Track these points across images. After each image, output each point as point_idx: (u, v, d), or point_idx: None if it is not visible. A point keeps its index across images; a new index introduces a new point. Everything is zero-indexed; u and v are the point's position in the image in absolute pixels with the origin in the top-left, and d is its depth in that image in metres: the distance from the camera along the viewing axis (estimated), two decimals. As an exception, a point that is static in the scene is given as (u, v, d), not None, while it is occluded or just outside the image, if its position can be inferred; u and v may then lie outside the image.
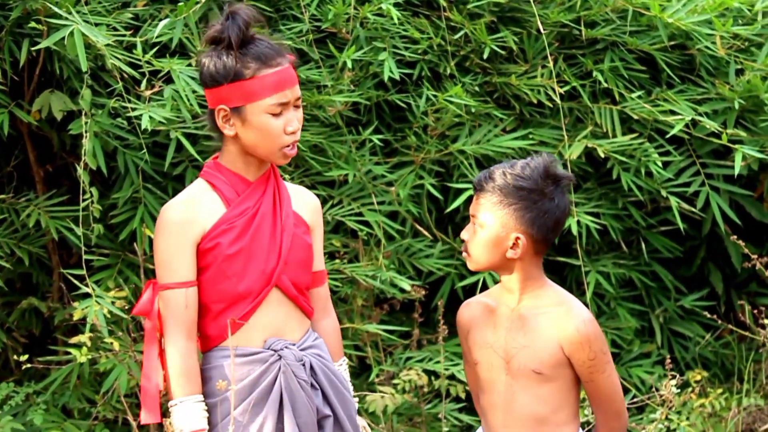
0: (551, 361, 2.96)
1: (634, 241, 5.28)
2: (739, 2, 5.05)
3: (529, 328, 2.98)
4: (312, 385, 3.06)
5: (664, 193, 4.96)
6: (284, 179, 3.18)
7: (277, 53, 2.97)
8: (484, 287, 4.69)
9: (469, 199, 4.72)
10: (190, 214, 2.98)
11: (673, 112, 4.91)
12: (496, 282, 4.71)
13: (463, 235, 3.02)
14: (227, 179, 3.03)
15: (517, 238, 2.95)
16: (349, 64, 4.58)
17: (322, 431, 3.07)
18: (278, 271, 3.01)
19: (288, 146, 3.00)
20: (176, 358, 2.96)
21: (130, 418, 4.22)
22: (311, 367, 3.06)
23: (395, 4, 4.70)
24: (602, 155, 4.86)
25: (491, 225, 2.96)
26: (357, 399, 3.27)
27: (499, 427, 3.04)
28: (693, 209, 5.03)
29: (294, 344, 3.05)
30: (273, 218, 3.04)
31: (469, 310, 3.13)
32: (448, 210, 4.83)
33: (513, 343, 2.99)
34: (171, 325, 2.98)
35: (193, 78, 4.26)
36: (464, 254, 3.03)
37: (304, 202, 3.15)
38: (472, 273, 4.83)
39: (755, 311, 5.02)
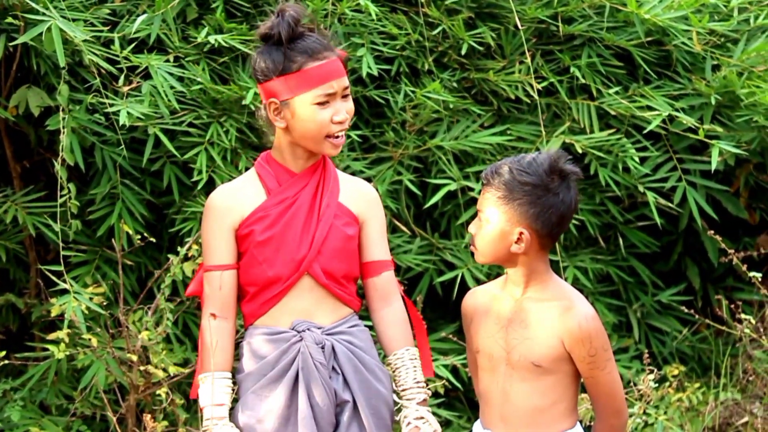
0: (551, 354, 2.97)
1: (611, 236, 5.29)
2: (715, -2, 5.08)
3: (531, 321, 2.99)
4: (333, 369, 3.14)
5: (641, 188, 4.97)
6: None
7: (324, 47, 3.11)
8: (463, 283, 4.70)
9: (448, 195, 4.75)
10: (232, 201, 3.15)
11: (650, 108, 4.93)
12: (474, 278, 4.73)
13: (471, 228, 3.06)
14: (273, 171, 3.17)
15: (521, 233, 2.97)
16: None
17: (342, 415, 3.14)
18: (308, 259, 3.12)
19: (334, 136, 3.11)
20: (206, 335, 3.11)
21: (109, 413, 4.21)
22: (334, 352, 3.13)
23: (373, 0, 4.70)
24: (580, 151, 4.87)
25: (496, 220, 2.98)
26: (423, 390, 3.22)
27: (497, 416, 3.05)
28: (670, 204, 5.05)
29: (319, 328, 3.14)
30: (310, 208, 3.15)
31: (473, 298, 3.15)
32: (427, 206, 4.84)
33: (514, 334, 3.00)
34: (206, 304, 3.16)
35: (171, 74, 4.25)
36: (471, 248, 3.06)
37: (356, 193, 3.24)
38: (451, 268, 4.84)
39: (732, 306, 5.04)
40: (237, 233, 3.14)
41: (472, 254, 3.08)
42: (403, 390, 3.22)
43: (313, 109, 3.08)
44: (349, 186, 3.25)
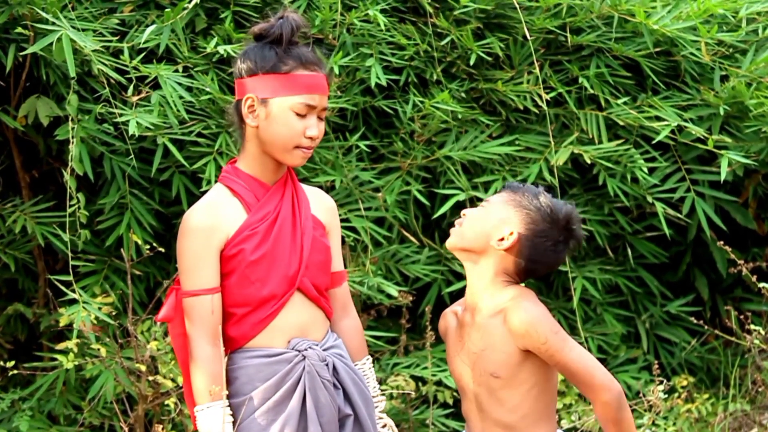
0: (508, 361, 2.95)
1: (620, 247, 5.29)
2: (723, 9, 5.07)
3: (486, 332, 2.99)
4: (334, 385, 3.09)
5: (649, 198, 4.97)
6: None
7: (316, 61, 3.06)
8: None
9: (456, 205, 4.75)
10: (214, 220, 3.01)
11: (658, 118, 4.93)
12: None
13: (465, 210, 3.07)
14: (246, 183, 3.07)
15: (511, 233, 2.99)
16: (336, 70, 4.59)
17: (343, 430, 3.10)
18: (300, 275, 3.06)
19: (304, 148, 3.04)
20: (202, 363, 2.99)
21: (121, 423, 4.21)
22: (334, 367, 3.10)
23: (382, 11, 4.71)
24: (588, 161, 4.87)
25: (495, 212, 3.01)
26: (384, 398, 3.28)
27: None
28: (679, 215, 5.05)
29: (317, 344, 3.09)
30: (293, 222, 3.08)
31: (444, 321, 3.17)
32: (435, 216, 4.84)
33: (474, 348, 3.01)
34: (197, 331, 3.01)
35: (180, 84, 4.26)
36: (455, 228, 3.05)
37: (320, 204, 3.20)
38: (459, 279, 4.83)
39: (741, 316, 5.03)
40: (223, 254, 3.01)
41: (451, 268, 3.08)
42: None
43: (290, 115, 3.00)
44: (312, 196, 3.19)
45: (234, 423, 3.01)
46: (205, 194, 3.11)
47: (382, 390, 4.64)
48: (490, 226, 3.01)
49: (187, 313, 3.02)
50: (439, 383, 4.71)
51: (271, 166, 3.08)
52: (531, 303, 2.95)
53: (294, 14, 3.07)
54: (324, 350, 3.09)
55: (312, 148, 3.06)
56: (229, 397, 3.03)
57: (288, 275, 3.04)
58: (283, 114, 3.01)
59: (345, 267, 3.31)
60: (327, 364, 3.08)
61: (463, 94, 4.91)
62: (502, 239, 2.99)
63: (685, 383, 5.06)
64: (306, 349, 3.05)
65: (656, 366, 4.61)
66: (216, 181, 3.15)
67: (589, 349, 5.00)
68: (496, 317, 2.97)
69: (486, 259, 3.02)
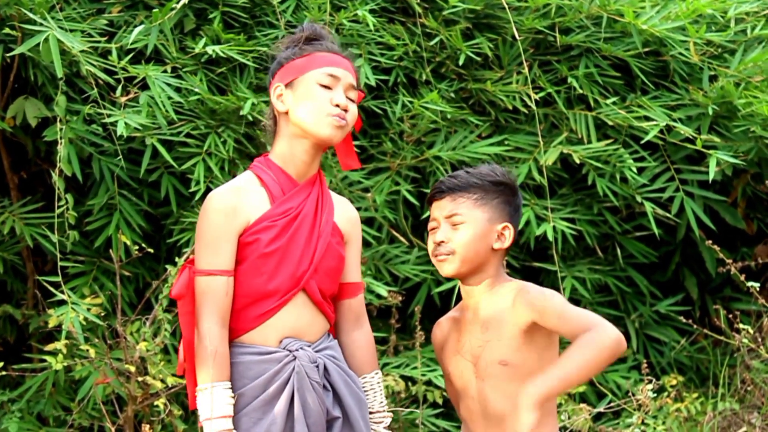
0: (514, 345, 2.96)
1: (609, 247, 5.30)
2: (712, 9, 5.08)
3: (490, 323, 3.01)
4: (324, 387, 3.09)
5: (639, 198, 4.98)
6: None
7: (338, 49, 3.15)
8: (461, 293, 4.69)
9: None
10: (237, 202, 3.04)
11: (647, 118, 4.93)
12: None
13: (440, 237, 3.04)
14: (275, 176, 3.10)
15: (505, 227, 3.03)
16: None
17: (331, 431, 3.10)
18: (308, 276, 3.07)
19: (334, 116, 3.06)
20: (209, 343, 2.99)
21: (110, 424, 4.20)
22: (325, 369, 3.10)
23: (371, 11, 4.71)
24: (577, 161, 4.88)
25: (478, 219, 3.02)
26: (390, 414, 3.28)
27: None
28: (668, 215, 5.05)
29: (309, 345, 3.09)
30: (312, 223, 3.10)
31: (440, 329, 3.18)
32: (425, 216, 4.83)
33: (477, 342, 3.02)
34: (208, 310, 3.01)
35: (168, 84, 4.25)
36: (443, 257, 3.04)
37: (344, 213, 3.21)
38: (449, 279, 4.83)
39: (730, 316, 5.04)
40: (240, 239, 3.03)
41: (440, 262, 3.07)
42: (371, 413, 3.22)
43: (316, 88, 3.06)
44: (338, 204, 3.22)
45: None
46: (231, 179, 3.15)
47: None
48: (484, 236, 3.02)
49: (200, 292, 3.02)
50: (428, 383, 4.71)
51: (305, 159, 3.11)
52: (526, 283, 3.02)
53: (319, 25, 3.20)
54: (316, 351, 3.09)
55: (343, 119, 3.07)
56: None
57: (296, 274, 3.06)
58: (309, 88, 3.08)
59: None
60: (317, 366, 3.07)
61: (452, 95, 4.92)
62: (500, 237, 3.02)
63: (674, 382, 5.07)
64: (297, 350, 3.06)
65: (645, 365, 4.62)
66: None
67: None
68: (501, 308, 2.99)
69: (488, 262, 3.04)
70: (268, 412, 3.02)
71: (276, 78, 3.14)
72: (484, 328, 3.01)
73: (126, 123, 4.13)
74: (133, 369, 4.13)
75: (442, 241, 3.03)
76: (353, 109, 3.11)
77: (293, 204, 3.08)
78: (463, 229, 3.02)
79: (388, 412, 3.26)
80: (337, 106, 3.06)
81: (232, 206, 3.03)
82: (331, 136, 3.08)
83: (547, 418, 3.01)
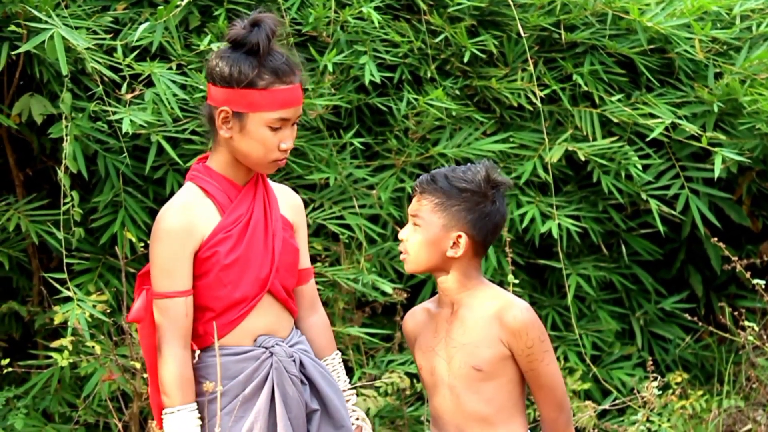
0: (491, 356, 2.97)
1: (614, 244, 5.29)
2: (717, 6, 5.07)
3: (468, 326, 3.00)
4: (302, 381, 3.09)
5: (644, 195, 4.98)
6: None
7: (292, 70, 3.00)
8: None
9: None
10: (189, 222, 2.99)
11: (652, 116, 4.93)
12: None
13: (402, 234, 3.04)
14: (219, 184, 3.04)
15: (459, 237, 2.98)
16: (330, 68, 4.59)
17: (310, 424, 3.11)
18: (272, 277, 3.05)
19: (278, 160, 3.02)
20: (173, 366, 2.98)
21: (116, 420, 4.21)
22: (301, 363, 3.10)
23: (376, 8, 4.71)
24: (582, 158, 4.88)
25: (433, 224, 2.99)
26: (354, 391, 3.28)
27: (452, 429, 3.05)
28: (673, 212, 5.05)
29: (283, 341, 3.09)
30: (265, 224, 3.07)
31: (413, 319, 3.16)
32: (429, 213, 4.83)
33: (453, 343, 3.01)
34: (169, 333, 2.99)
35: (173, 81, 4.26)
36: (402, 255, 3.04)
37: (287, 202, 3.17)
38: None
39: (735, 313, 5.04)
40: (197, 255, 2.99)
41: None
42: None
43: (264, 130, 2.96)
44: (280, 195, 3.17)
45: (202, 426, 3.00)
46: (176, 194, 3.07)
47: (376, 387, 4.65)
48: (437, 241, 2.99)
49: (159, 315, 2.99)
50: (433, 380, 4.71)
51: (244, 168, 3.06)
52: (526, 306, 2.98)
53: (269, 17, 2.99)
54: (290, 346, 3.09)
55: (285, 158, 3.04)
56: (197, 395, 3.02)
57: (260, 278, 3.03)
58: (258, 129, 2.97)
59: (311, 264, 3.30)
60: (294, 360, 3.08)
61: (457, 92, 4.92)
62: (454, 245, 2.99)
63: (679, 380, 5.07)
64: (273, 346, 3.06)
65: (650, 363, 4.62)
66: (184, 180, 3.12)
67: (584, 346, 5.01)
68: (483, 314, 2.98)
69: (453, 267, 3.02)
70: (249, 409, 3.02)
71: (224, 95, 2.98)
72: (461, 329, 3.01)
73: (131, 120, 4.13)
74: (138, 365, 4.14)
75: (403, 239, 3.04)
76: (295, 133, 3.04)
77: (242, 210, 3.04)
78: (419, 232, 3.00)
79: (352, 390, 3.27)
80: (284, 150, 3.00)
81: (185, 225, 2.98)
82: (270, 173, 3.09)
83: (519, 416, 3.03)
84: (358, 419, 3.25)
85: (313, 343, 3.22)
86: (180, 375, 2.97)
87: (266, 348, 3.05)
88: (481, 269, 3.06)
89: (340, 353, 3.29)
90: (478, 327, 2.98)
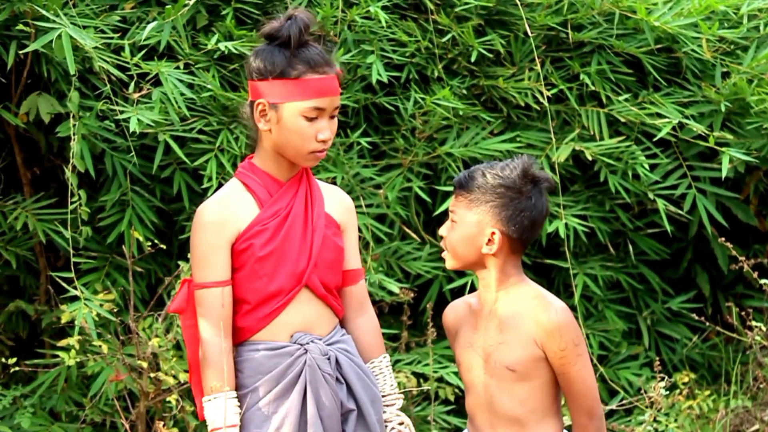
0: (525, 356, 2.96)
1: (621, 244, 5.29)
2: (725, 5, 5.07)
3: (505, 325, 3.00)
4: (337, 379, 3.10)
5: (651, 195, 4.97)
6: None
7: (326, 62, 3.04)
8: (473, 289, 4.69)
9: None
10: (225, 214, 3.04)
11: (659, 115, 4.93)
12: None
13: (441, 231, 3.06)
14: (260, 180, 3.09)
15: (493, 233, 2.98)
16: (337, 67, 4.58)
17: (346, 425, 3.12)
18: (308, 272, 3.07)
19: (317, 151, 3.04)
20: (213, 355, 3.02)
21: (123, 420, 4.21)
22: (337, 362, 3.11)
23: (383, 7, 4.71)
24: (589, 158, 4.87)
25: (468, 221, 3.00)
26: (401, 395, 3.28)
27: (486, 428, 3.05)
28: (680, 211, 5.05)
29: (320, 339, 3.10)
30: (304, 219, 3.09)
31: (454, 312, 3.16)
32: (436, 213, 4.83)
33: (490, 341, 3.01)
34: (208, 322, 3.04)
35: (181, 81, 4.26)
36: (445, 253, 3.06)
37: (336, 202, 3.19)
38: (460, 275, 4.84)
39: (742, 313, 5.03)
40: (233, 248, 3.04)
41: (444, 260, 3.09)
42: (383, 396, 3.23)
43: (300, 121, 3.00)
44: (329, 194, 3.20)
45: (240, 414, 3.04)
46: (219, 189, 3.13)
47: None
48: (472, 237, 3.00)
49: (199, 305, 3.06)
50: (440, 380, 4.71)
51: (286, 163, 3.09)
52: (563, 306, 2.98)
53: (303, 13, 3.05)
54: (328, 345, 3.10)
55: (325, 150, 3.07)
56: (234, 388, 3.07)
57: (296, 272, 3.06)
58: (294, 119, 3.01)
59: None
60: (329, 358, 3.08)
61: (464, 91, 4.91)
62: (489, 242, 2.99)
63: (686, 380, 5.06)
64: (308, 343, 3.07)
65: (658, 362, 4.62)
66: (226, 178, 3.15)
67: (591, 346, 5.00)
68: (519, 313, 2.98)
69: (490, 263, 3.02)
70: (281, 405, 3.04)
71: (260, 88, 3.05)
72: (499, 327, 3.01)
73: (139, 119, 4.13)
74: (145, 365, 4.14)
75: (443, 235, 3.06)
76: (335, 127, 3.07)
77: (281, 205, 3.07)
78: (455, 228, 3.02)
79: (399, 394, 3.26)
80: (323, 141, 3.03)
81: (221, 218, 3.04)
82: (311, 165, 3.11)
83: (553, 418, 3.02)
84: (401, 424, 3.23)
85: (360, 344, 3.22)
86: (219, 364, 3.01)
87: (301, 345, 3.07)
88: (520, 266, 3.05)
89: (388, 357, 3.27)
90: (513, 326, 2.98)
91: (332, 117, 3.06)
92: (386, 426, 3.20)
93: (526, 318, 2.97)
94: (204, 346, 3.04)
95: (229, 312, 3.05)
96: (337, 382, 3.10)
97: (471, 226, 2.99)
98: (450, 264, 3.06)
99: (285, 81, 3.00)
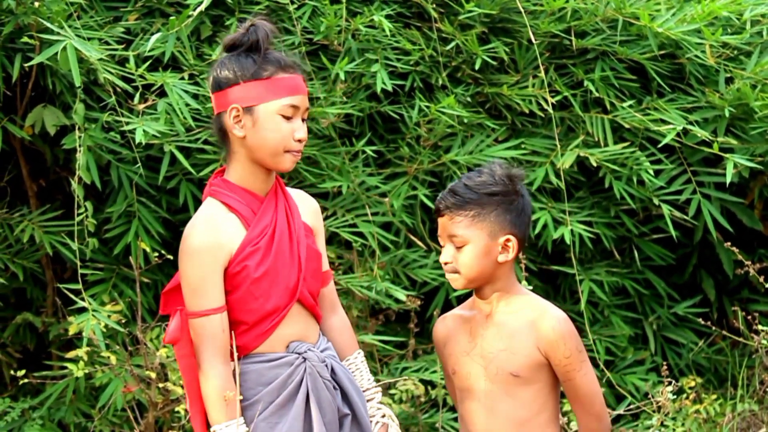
0: (529, 363, 2.98)
1: (626, 249, 5.29)
2: (728, 11, 5.07)
3: (506, 332, 3.01)
4: (333, 386, 3.11)
5: (656, 201, 4.98)
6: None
7: (294, 62, 3.05)
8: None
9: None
10: (215, 238, 2.99)
11: (663, 121, 4.93)
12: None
13: (445, 257, 3.03)
14: (239, 197, 3.04)
15: (507, 240, 2.99)
16: (342, 76, 4.60)
17: (341, 430, 3.12)
18: (300, 286, 3.06)
19: (294, 151, 3.03)
20: (217, 382, 2.98)
21: (133, 430, 4.22)
22: (332, 369, 3.12)
23: (387, 16, 4.72)
24: (594, 164, 4.88)
25: (478, 237, 2.99)
26: (380, 388, 3.28)
27: None
28: (685, 217, 5.05)
29: (314, 347, 3.11)
30: (289, 233, 3.08)
31: (444, 325, 3.17)
32: (442, 220, 4.83)
33: (490, 348, 3.02)
34: (208, 351, 2.99)
35: (186, 91, 4.27)
36: (450, 275, 3.04)
37: (306, 207, 3.19)
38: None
39: (748, 317, 5.03)
40: (227, 271, 2.99)
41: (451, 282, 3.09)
42: (363, 391, 3.24)
43: (278, 119, 2.98)
44: (299, 201, 3.18)
45: None
46: (198, 211, 3.06)
47: (391, 394, 4.65)
48: (487, 251, 3.00)
49: (197, 334, 3.00)
50: (447, 387, 4.71)
51: (262, 174, 3.06)
52: (563, 316, 3.00)
53: (264, 21, 3.05)
54: (321, 352, 3.12)
55: (300, 151, 3.05)
56: None
57: (289, 287, 3.05)
58: (271, 118, 2.99)
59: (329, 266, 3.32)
60: (326, 365, 3.10)
61: (468, 99, 4.92)
62: (504, 249, 3.00)
63: (693, 384, 5.06)
64: (305, 351, 3.08)
65: (665, 367, 4.62)
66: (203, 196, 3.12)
67: (597, 351, 5.01)
68: (520, 321, 3.00)
69: (498, 274, 3.03)
70: (284, 415, 3.04)
71: (230, 94, 3.01)
72: (499, 335, 3.02)
73: (144, 130, 4.14)
74: (153, 375, 4.15)
75: (448, 261, 3.03)
76: (306, 130, 3.06)
77: (266, 221, 3.05)
78: (465, 250, 3.00)
79: (377, 387, 3.27)
80: (299, 140, 3.02)
81: (211, 242, 2.98)
82: (288, 169, 3.07)
83: (554, 424, 3.03)
84: (384, 416, 3.24)
85: (335, 343, 3.24)
86: (225, 391, 2.98)
87: (299, 354, 3.07)
88: (515, 274, 3.08)
89: (362, 352, 3.30)
90: (514, 334, 3.00)
91: (303, 120, 3.05)
92: (371, 421, 3.21)
93: (527, 327, 2.99)
94: (207, 375, 2.99)
95: (228, 336, 3.01)
96: (333, 388, 3.12)
97: (483, 240, 2.99)
98: (460, 285, 3.04)
99: (258, 82, 2.99)
